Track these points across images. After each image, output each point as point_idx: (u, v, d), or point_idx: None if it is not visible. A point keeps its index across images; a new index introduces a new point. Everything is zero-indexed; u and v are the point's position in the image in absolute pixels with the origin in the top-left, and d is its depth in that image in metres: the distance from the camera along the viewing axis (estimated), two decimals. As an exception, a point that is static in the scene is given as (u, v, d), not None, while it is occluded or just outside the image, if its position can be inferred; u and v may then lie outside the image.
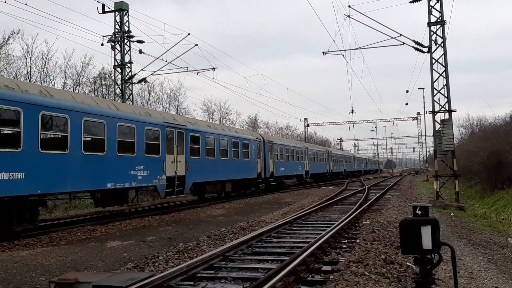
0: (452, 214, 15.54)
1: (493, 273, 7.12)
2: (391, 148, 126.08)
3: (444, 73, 19.43)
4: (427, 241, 4.62)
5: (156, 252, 8.72)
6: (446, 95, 19.41)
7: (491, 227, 13.14)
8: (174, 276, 6.34)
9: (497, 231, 12.28)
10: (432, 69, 19.65)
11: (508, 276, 6.95)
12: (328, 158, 49.05)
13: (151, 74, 26.21)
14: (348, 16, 20.31)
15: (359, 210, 14.30)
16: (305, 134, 70.61)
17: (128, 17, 24.82)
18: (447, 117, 19.30)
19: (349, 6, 19.96)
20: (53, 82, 29.31)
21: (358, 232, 10.89)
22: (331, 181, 47.29)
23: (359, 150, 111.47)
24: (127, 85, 25.24)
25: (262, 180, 27.22)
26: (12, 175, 10.14)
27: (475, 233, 11.38)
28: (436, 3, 19.43)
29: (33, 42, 29.01)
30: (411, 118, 71.02)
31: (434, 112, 19.69)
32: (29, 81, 26.06)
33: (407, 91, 57.49)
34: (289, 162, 33.40)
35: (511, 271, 7.27)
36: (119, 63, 24.97)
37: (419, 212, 4.80)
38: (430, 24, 19.54)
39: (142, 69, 26.16)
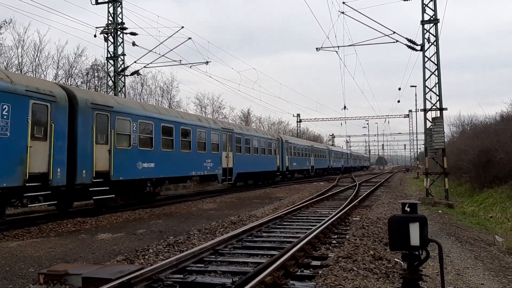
0: (440, 211, 15.69)
1: (479, 270, 7.22)
2: (383, 145, 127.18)
3: (436, 71, 19.57)
4: (415, 238, 4.67)
5: (146, 245, 8.72)
6: (437, 93, 19.56)
7: (479, 225, 13.29)
8: (164, 269, 6.35)
9: (485, 229, 12.43)
10: (424, 67, 19.78)
11: (495, 273, 7.05)
12: (282, 149, 33.49)
13: (144, 66, 26.10)
14: (342, 12, 20.35)
15: (349, 206, 14.39)
16: (297, 130, 70.81)
17: (121, 8, 24.65)
18: (438, 115, 19.47)
19: (344, 3, 19.99)
20: (44, 73, 29.06)
21: (348, 228, 10.96)
22: (286, 182, 34.72)
23: (351, 147, 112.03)
24: (119, 77, 25.10)
25: (66, 188, 12.45)
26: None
27: (463, 230, 11.51)
28: (429, 2, 19.53)
29: (25, 32, 28.76)
30: (403, 116, 71.54)
31: (425, 110, 19.85)
32: (20, 72, 25.77)
33: (399, 89, 58.37)
34: (173, 152, 18.07)
35: (497, 269, 7.38)
36: (112, 55, 24.82)
37: (408, 209, 4.84)
38: (423, 22, 19.65)
39: (135, 62, 26.08)
